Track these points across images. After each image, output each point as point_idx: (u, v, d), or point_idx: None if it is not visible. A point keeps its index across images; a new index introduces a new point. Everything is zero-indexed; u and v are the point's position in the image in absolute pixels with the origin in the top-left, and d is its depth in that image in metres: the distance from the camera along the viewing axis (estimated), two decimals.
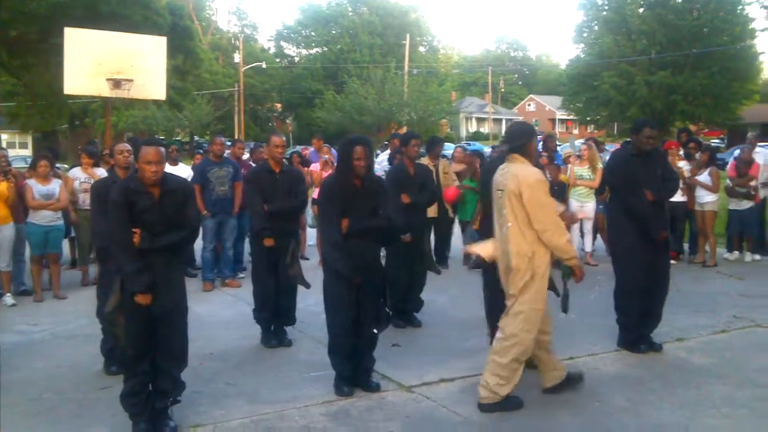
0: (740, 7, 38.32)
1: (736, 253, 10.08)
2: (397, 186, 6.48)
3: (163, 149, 4.26)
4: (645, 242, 5.70)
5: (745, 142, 10.82)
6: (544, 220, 4.47)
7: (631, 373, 5.38)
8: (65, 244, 9.16)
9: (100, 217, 5.13)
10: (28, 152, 40.16)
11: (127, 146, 5.51)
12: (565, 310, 4.97)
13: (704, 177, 9.43)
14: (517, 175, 4.52)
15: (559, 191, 9.25)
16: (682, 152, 9.92)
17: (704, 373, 5.29)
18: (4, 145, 40.48)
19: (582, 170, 9.65)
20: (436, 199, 7.46)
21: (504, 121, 70.08)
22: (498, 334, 4.68)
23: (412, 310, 6.86)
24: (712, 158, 9.74)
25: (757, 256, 9.93)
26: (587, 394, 4.93)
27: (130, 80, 12.01)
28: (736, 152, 10.85)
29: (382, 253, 6.55)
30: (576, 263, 4.67)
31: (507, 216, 4.57)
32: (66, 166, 12.75)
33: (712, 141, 39.46)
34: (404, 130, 31.61)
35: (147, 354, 4.30)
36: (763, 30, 35.78)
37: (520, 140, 4.72)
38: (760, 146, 10.66)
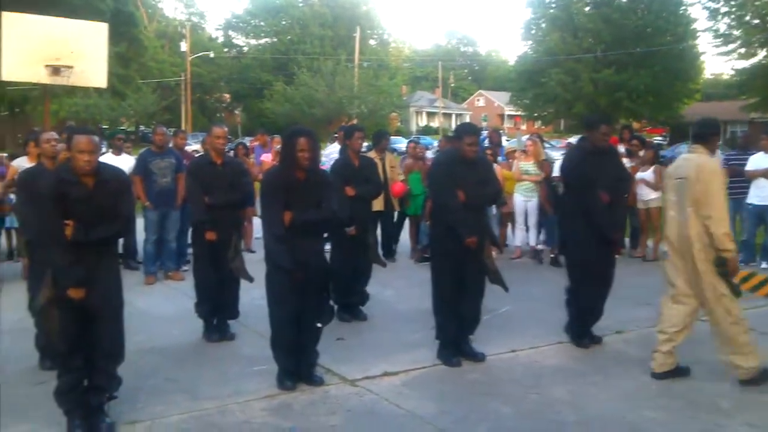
0: (683, 8, 39.35)
1: None
2: (342, 179, 6.44)
3: (96, 137, 4.11)
4: (597, 240, 5.70)
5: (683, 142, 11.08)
6: (713, 209, 4.81)
7: (571, 366, 5.46)
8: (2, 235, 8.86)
9: (27, 208, 4.95)
10: None
11: (54, 135, 5.34)
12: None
13: (648, 174, 9.63)
14: (699, 165, 4.96)
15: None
16: (622, 149, 10.10)
17: (642, 365, 5.39)
18: None
19: (527, 165, 9.75)
20: (381, 192, 7.44)
21: (453, 116, 70.59)
22: (729, 319, 4.93)
23: (357, 303, 6.83)
24: (657, 156, 9.95)
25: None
26: (527, 386, 4.99)
27: (70, 67, 11.65)
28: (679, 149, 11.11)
29: (327, 246, 6.51)
30: (731, 256, 4.89)
31: (687, 202, 4.94)
32: (5, 154, 12.31)
33: (655, 138, 40.46)
34: (355, 122, 31.56)
35: (80, 349, 4.17)
36: (704, 31, 36.98)
37: (706, 130, 5.13)
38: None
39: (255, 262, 6.98)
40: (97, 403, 4.27)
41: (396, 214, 9.75)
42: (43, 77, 11.65)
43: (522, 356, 5.66)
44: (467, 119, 56.47)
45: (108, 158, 8.46)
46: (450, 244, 5.30)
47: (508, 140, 19.99)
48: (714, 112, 47.60)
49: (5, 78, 11.89)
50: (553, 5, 42.24)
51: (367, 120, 41.56)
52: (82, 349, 4.18)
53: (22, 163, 8.20)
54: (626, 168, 6.57)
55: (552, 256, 9.46)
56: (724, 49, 34.81)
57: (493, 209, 9.29)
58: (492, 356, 5.56)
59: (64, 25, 12.01)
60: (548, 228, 9.58)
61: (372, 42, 68.14)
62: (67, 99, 36.12)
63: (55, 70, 11.49)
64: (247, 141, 15.13)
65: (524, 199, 9.73)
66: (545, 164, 9.61)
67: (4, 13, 11.39)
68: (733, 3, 33.15)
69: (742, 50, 34.04)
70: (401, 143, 29.45)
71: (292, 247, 4.71)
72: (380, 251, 7.99)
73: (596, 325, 6.12)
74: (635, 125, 33.79)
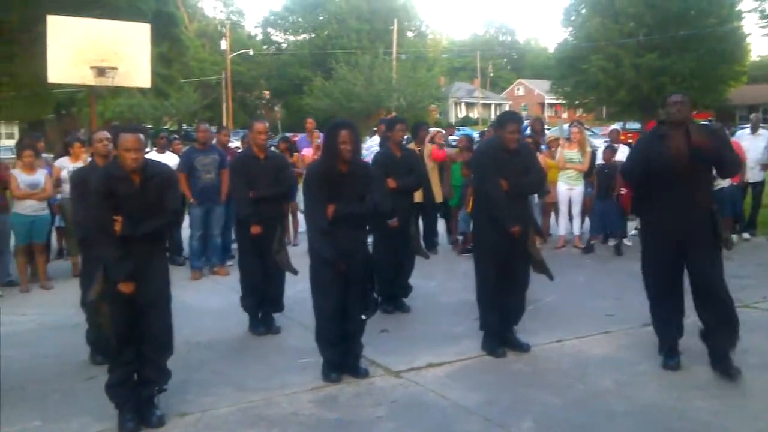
0: None
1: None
2: (384, 171, 6.44)
3: (142, 135, 4.20)
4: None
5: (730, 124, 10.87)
6: None
7: (619, 355, 5.39)
8: (53, 235, 9.08)
9: (80, 206, 5.08)
10: (14, 143, 39.74)
11: (106, 134, 5.46)
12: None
13: None
14: None
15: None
16: None
17: (691, 354, 5.28)
18: None
19: (571, 153, 9.64)
20: (423, 184, 7.42)
21: (493, 106, 70.03)
22: None
23: (400, 295, 6.84)
24: None
25: (747, 235, 9.99)
26: (574, 377, 4.94)
27: (115, 68, 11.87)
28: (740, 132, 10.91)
29: (370, 238, 6.54)
30: None
31: None
32: (51, 155, 12.62)
33: (702, 123, 39.63)
34: (395, 115, 31.55)
35: (131, 343, 4.27)
36: (749, 11, 35.85)
37: None
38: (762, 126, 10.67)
39: (299, 255, 7.06)
40: (148, 396, 4.36)
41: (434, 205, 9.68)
42: (88, 79, 11.89)
43: (568, 346, 5.61)
44: (507, 108, 56.02)
45: (152, 156, 8.61)
46: (494, 234, 5.25)
47: (548, 129, 19.77)
48: (762, 94, 46.47)
49: (52, 80, 12.18)
50: None
51: (405, 112, 41.44)
52: (133, 343, 4.27)
53: (65, 163, 8.43)
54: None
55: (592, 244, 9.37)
56: None
57: (536, 198, 9.20)
58: (537, 346, 5.52)
59: (107, 27, 12.24)
60: (599, 215, 9.47)
61: (409, 34, 67.85)
62: (112, 100, 36.84)
63: (100, 72, 11.72)
64: (288, 136, 15.18)
65: (568, 188, 9.63)
66: (607, 152, 9.53)
67: (50, 17, 11.66)
68: None
69: None
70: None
71: (336, 240, 4.74)
72: (422, 243, 7.98)
73: (643, 313, 6.03)
74: None
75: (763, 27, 34.05)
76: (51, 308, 7.15)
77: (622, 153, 9.97)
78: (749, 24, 49.24)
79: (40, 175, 8.08)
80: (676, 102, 4.86)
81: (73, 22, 11.90)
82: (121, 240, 4.14)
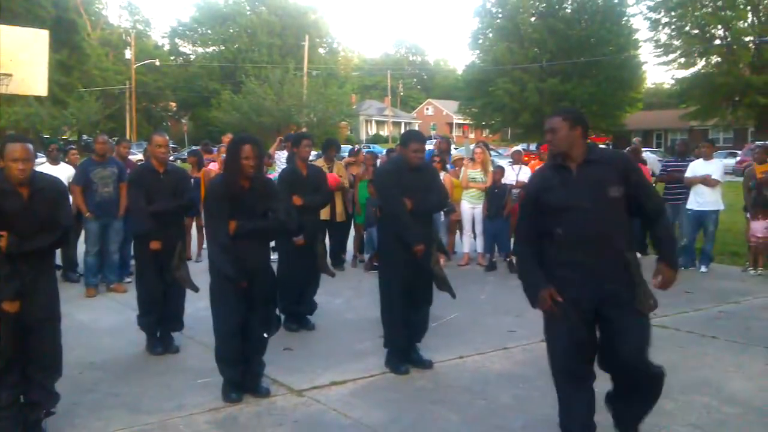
0: (625, 18, 40.45)
1: None
2: (290, 187, 6.38)
3: (30, 146, 3.99)
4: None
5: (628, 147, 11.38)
6: None
7: (517, 371, 5.50)
8: None
9: None
10: None
11: None
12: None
13: None
14: None
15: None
16: None
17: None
18: None
19: (475, 173, 9.86)
20: (329, 202, 7.41)
21: (403, 125, 71.00)
22: None
23: (305, 312, 6.78)
24: None
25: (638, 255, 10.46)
26: (474, 393, 5.01)
27: (9, 75, 11.32)
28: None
29: (274, 256, 6.45)
30: None
31: None
32: None
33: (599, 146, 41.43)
34: (304, 130, 31.41)
35: (17, 364, 4.03)
36: (645, 41, 38.04)
37: None
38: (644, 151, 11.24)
39: (201, 272, 6.88)
40: (35, 419, 4.14)
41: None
42: None
43: (469, 362, 5.69)
44: (416, 127, 56.94)
45: (45, 168, 8.24)
46: (398, 252, 5.29)
47: (456, 148, 20.18)
48: (655, 120, 49.14)
49: None
50: (500, 15, 42.93)
51: (316, 129, 41.45)
52: (19, 364, 4.04)
53: None
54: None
55: (493, 261, 9.59)
56: (665, 58, 35.95)
57: (441, 216, 9.35)
58: (439, 363, 5.57)
59: (2, 33, 11.67)
60: (491, 235, 9.68)
61: (321, 51, 68.08)
62: (7, 108, 35.10)
63: None
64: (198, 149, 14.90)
65: (471, 206, 9.83)
66: (496, 172, 9.75)
67: None
68: (673, 14, 34.27)
69: (682, 60, 35.16)
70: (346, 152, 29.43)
71: (237, 257, 4.65)
72: (329, 260, 7.96)
73: (541, 328, 6.18)
74: None
75: (657, 56, 36.17)
76: None
77: (524, 174, 10.29)
78: (645, 53, 51.85)
79: None
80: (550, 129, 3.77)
81: None
82: (7, 257, 3.92)
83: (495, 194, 9.60)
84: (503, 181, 9.78)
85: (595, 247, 3.58)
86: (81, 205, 7.88)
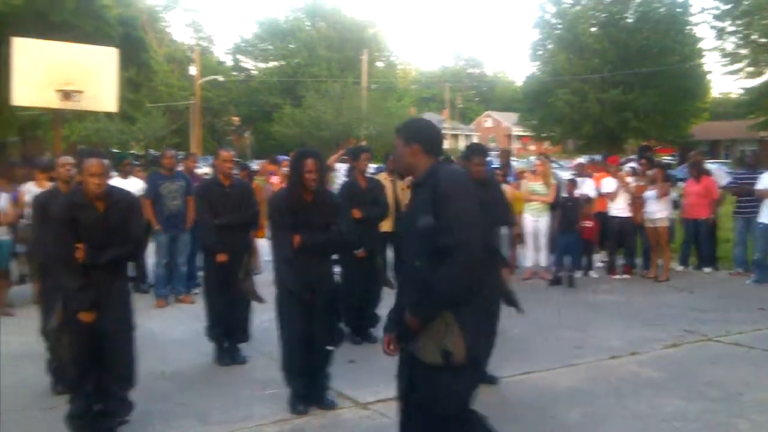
0: (689, 27, 39.45)
1: (690, 267, 10.35)
2: (349, 200, 6.41)
3: (106, 161, 4.14)
4: None
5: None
6: None
7: (585, 388, 5.40)
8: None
9: (41, 231, 4.98)
10: None
11: (70, 159, 5.38)
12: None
13: (652, 193, 9.61)
14: None
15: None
16: (629, 167, 10.15)
17: (656, 387, 5.34)
18: None
19: (535, 185, 9.74)
20: (388, 214, 7.41)
21: (461, 137, 70.74)
22: None
23: (368, 326, 6.79)
24: (665, 175, 9.95)
25: (708, 269, 10.18)
26: (541, 410, 4.93)
27: (81, 92, 11.75)
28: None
29: (337, 269, 6.49)
30: None
31: None
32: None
33: (664, 158, 40.52)
34: (363, 143, 31.62)
35: (91, 373, 4.16)
36: (711, 50, 36.96)
37: None
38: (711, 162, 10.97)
39: (266, 284, 6.98)
40: (108, 428, 4.26)
41: None
42: (54, 102, 11.74)
43: (535, 378, 5.61)
44: (475, 140, 56.63)
45: (116, 182, 8.50)
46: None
47: (516, 161, 19.99)
48: (722, 131, 47.63)
49: (16, 103, 12.00)
50: (560, 26, 42.42)
51: (375, 142, 41.62)
52: (94, 373, 4.16)
53: (31, 188, 8.26)
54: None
55: (560, 276, 9.44)
56: (731, 68, 34.86)
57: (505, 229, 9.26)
58: (505, 379, 5.51)
59: (74, 51, 12.13)
60: (562, 249, 9.54)
61: (379, 64, 68.48)
62: (78, 123, 36.41)
63: (66, 95, 11.57)
64: (256, 164, 15.19)
65: (533, 219, 9.71)
66: (569, 185, 9.64)
67: (16, 39, 11.52)
68: (739, 22, 33.23)
69: (750, 69, 34.05)
70: None
71: (301, 270, 4.70)
72: (392, 273, 7.96)
73: (607, 345, 6.06)
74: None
75: (724, 65, 35.10)
76: (11, 336, 6.94)
77: (588, 186, 10.13)
78: (711, 62, 50.54)
79: (2, 200, 7.91)
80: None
81: (40, 45, 11.77)
82: (83, 268, 4.05)
83: (567, 207, 9.46)
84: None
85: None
86: (151, 218, 8.09)
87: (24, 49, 11.45)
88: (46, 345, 5.23)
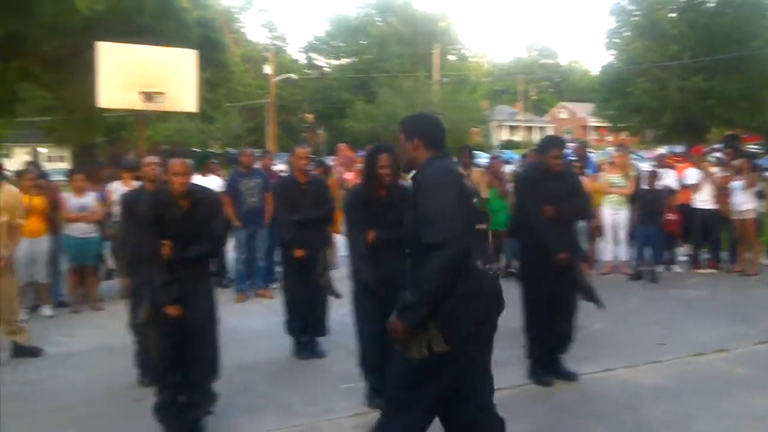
0: None
1: None
2: None
3: (189, 161, 4.27)
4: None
5: None
6: None
7: (669, 385, 5.24)
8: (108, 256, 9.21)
9: (128, 229, 5.17)
10: (66, 165, 40.84)
11: (155, 158, 5.55)
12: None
13: (738, 184, 9.24)
14: None
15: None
16: (713, 157, 9.78)
17: (746, 385, 5.14)
18: (43, 159, 41.27)
19: (614, 177, 9.50)
20: None
21: (535, 129, 69.66)
22: None
23: None
24: (751, 165, 9.55)
25: None
26: (623, 406, 4.82)
27: (163, 93, 12.11)
28: None
29: None
30: None
31: None
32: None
33: (751, 147, 38.82)
34: None
35: (178, 366, 4.30)
36: None
37: None
38: None
39: (341, 279, 7.05)
40: (194, 419, 4.39)
41: None
42: (137, 104, 12.14)
43: (617, 375, 5.48)
44: (549, 132, 55.72)
45: (196, 179, 8.74)
46: (540, 261, 5.18)
47: (593, 152, 19.51)
48: None
49: (102, 105, 12.47)
50: (637, 12, 41.16)
51: (448, 135, 41.41)
52: (180, 366, 4.30)
53: (117, 187, 8.58)
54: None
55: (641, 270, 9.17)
56: None
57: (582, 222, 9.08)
58: (585, 375, 5.40)
59: (155, 53, 12.51)
60: (642, 242, 9.28)
61: (451, 57, 68.14)
62: (160, 124, 37.64)
63: (149, 97, 11.95)
64: (330, 159, 15.31)
65: (612, 212, 9.47)
66: (651, 176, 9.37)
67: (100, 44, 11.98)
68: None
69: None
70: (483, 158, 29.26)
71: (377, 266, 4.72)
72: None
73: (694, 342, 5.87)
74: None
75: None
76: (101, 329, 7.26)
77: (669, 177, 9.81)
78: None
79: (90, 198, 8.25)
80: None
81: (123, 49, 12.19)
82: (168, 264, 4.19)
83: (648, 199, 9.19)
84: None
85: None
86: (231, 215, 8.29)
87: (109, 53, 11.88)
88: (133, 338, 5.43)
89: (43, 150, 46.52)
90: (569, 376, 5.33)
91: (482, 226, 3.17)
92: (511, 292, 5.65)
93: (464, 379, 3.23)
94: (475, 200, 3.19)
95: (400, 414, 3.20)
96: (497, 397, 5.00)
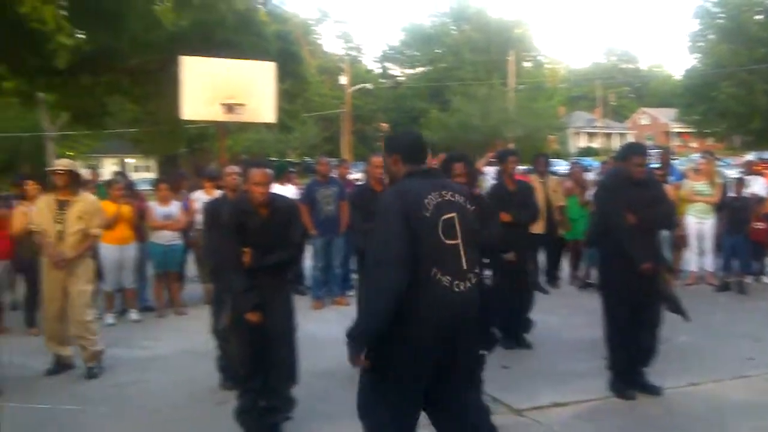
0: None
1: None
2: (497, 204, 6.34)
3: (270, 170, 4.37)
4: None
5: None
6: None
7: (759, 401, 5.03)
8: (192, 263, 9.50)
9: (211, 236, 5.32)
10: (151, 175, 42.35)
11: (236, 168, 5.70)
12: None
13: None
14: None
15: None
16: None
17: None
18: (130, 169, 43.03)
19: (699, 185, 9.19)
20: (538, 217, 7.25)
21: (615, 136, 68.02)
22: None
23: (521, 331, 6.70)
24: None
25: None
26: (710, 424, 4.64)
27: (243, 105, 12.42)
28: None
29: (488, 273, 6.44)
30: None
31: None
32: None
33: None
34: (510, 146, 31.17)
35: (258, 371, 4.40)
36: None
37: None
38: None
39: None
40: (273, 423, 4.48)
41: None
42: (218, 115, 12.48)
43: (703, 390, 5.29)
44: (630, 138, 54.28)
45: (275, 188, 8.92)
46: (622, 270, 5.05)
47: (676, 159, 18.93)
48: None
49: (185, 117, 12.89)
50: (722, 15, 39.77)
51: (524, 143, 40.94)
52: (260, 371, 4.40)
53: (200, 196, 8.86)
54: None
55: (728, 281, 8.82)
56: None
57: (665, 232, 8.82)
58: (669, 389, 5.23)
59: (236, 66, 12.83)
60: (729, 252, 8.94)
61: (526, 64, 67.38)
62: (240, 135, 38.63)
63: (229, 108, 12.26)
64: None
65: (697, 221, 9.16)
66: (737, 184, 9.05)
67: (184, 58, 12.39)
68: None
69: None
70: (561, 166, 28.74)
71: None
72: (544, 277, 7.79)
73: None
74: None
75: None
76: (184, 334, 7.48)
77: (757, 184, 9.42)
78: None
79: (174, 207, 8.55)
80: None
81: (205, 63, 12.55)
82: (249, 271, 4.30)
83: (735, 207, 8.86)
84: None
85: None
86: (308, 223, 8.43)
87: (191, 67, 12.26)
88: (216, 343, 5.58)
89: (130, 160, 48.47)
90: (653, 390, 5.18)
91: (453, 242, 3.13)
92: (590, 302, 5.57)
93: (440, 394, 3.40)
94: (450, 215, 3.14)
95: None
96: (578, 409, 4.95)
